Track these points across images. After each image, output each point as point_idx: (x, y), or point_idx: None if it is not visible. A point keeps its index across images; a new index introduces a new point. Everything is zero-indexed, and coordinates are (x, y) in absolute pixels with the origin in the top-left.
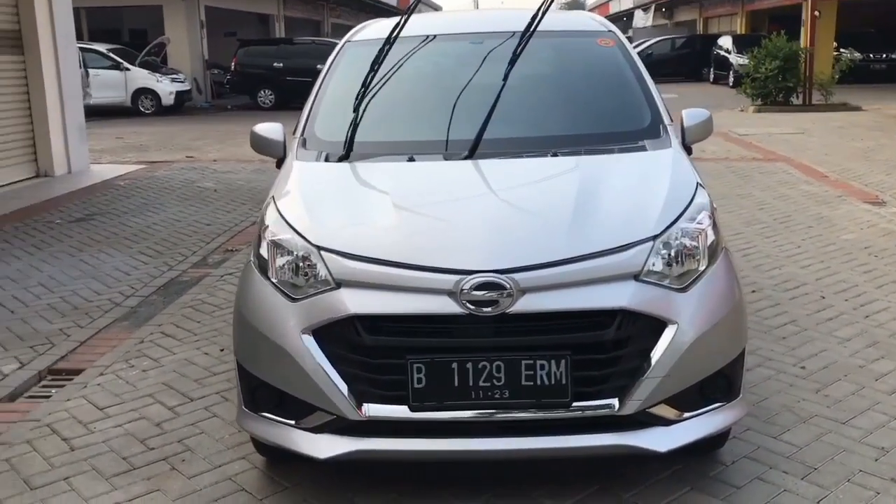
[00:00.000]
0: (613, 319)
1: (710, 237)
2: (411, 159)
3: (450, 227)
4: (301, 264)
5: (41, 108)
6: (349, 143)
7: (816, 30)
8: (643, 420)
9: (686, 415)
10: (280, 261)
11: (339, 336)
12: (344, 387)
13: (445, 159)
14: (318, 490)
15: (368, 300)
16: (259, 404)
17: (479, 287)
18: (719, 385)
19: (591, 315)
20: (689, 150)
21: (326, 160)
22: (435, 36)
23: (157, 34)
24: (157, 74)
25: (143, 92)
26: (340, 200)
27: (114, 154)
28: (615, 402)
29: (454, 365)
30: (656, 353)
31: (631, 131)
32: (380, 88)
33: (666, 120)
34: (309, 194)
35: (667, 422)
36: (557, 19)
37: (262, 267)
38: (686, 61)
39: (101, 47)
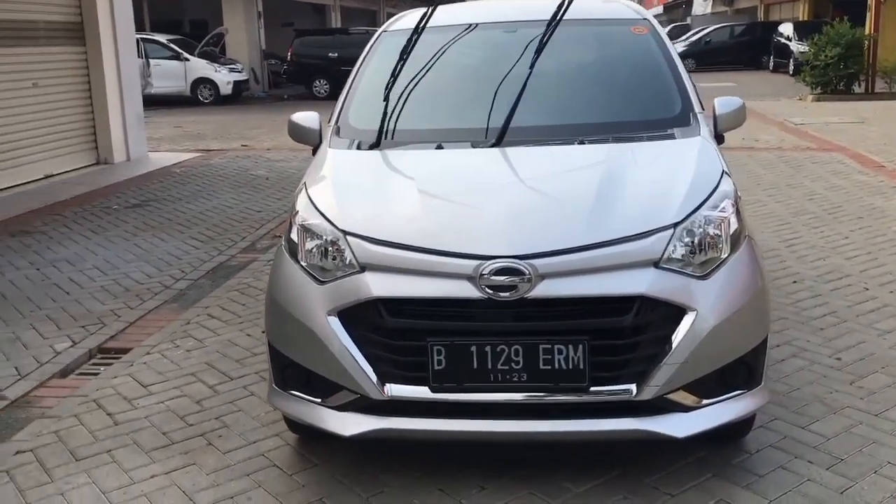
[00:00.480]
0: (632, 306)
1: (734, 225)
2: (440, 147)
3: (471, 213)
4: (329, 248)
5: (101, 98)
6: (380, 132)
7: (882, 15)
8: (661, 406)
9: (705, 401)
10: (309, 245)
11: (363, 318)
12: (368, 367)
13: (473, 147)
14: (346, 467)
15: (391, 284)
16: (288, 383)
17: (499, 272)
18: (740, 372)
19: (610, 301)
20: (721, 139)
21: (358, 148)
22: (469, 25)
23: (218, 25)
24: (216, 64)
25: (201, 82)
26: (368, 187)
27: (172, 142)
28: (633, 387)
29: (473, 348)
30: (675, 340)
31: (660, 119)
32: (412, 77)
33: (696, 108)
34: (338, 181)
35: (685, 408)
36: (592, 7)
37: (293, 251)
38: (745, 49)
39: (162, 38)
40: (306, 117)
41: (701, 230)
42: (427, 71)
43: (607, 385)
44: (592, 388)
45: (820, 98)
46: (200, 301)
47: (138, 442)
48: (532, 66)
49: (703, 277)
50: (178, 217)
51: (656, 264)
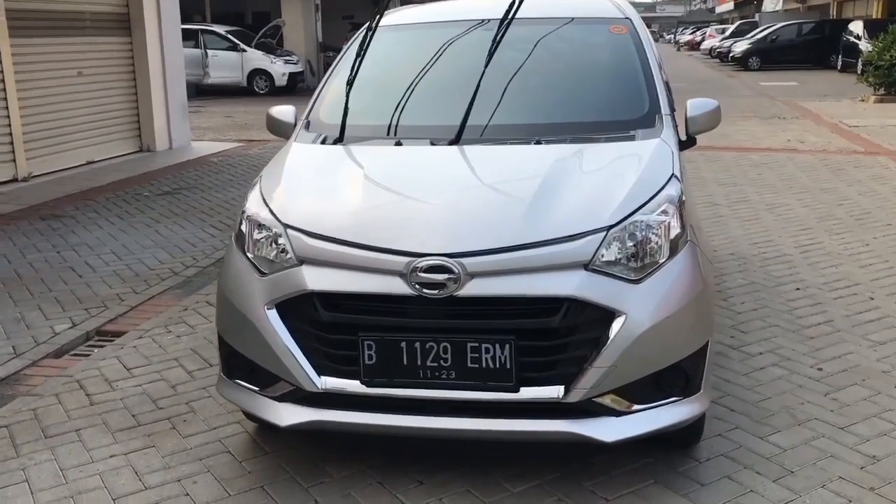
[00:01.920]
0: (560, 307)
1: (674, 230)
2: (398, 143)
3: (409, 210)
4: (273, 241)
5: (145, 87)
6: (342, 127)
7: None
8: (591, 409)
9: (636, 406)
10: (255, 237)
11: (299, 311)
12: (303, 359)
13: (432, 144)
14: (293, 457)
15: (326, 277)
16: (233, 372)
17: (428, 270)
18: (675, 379)
19: (538, 302)
20: (692, 141)
21: (323, 143)
22: (447, 21)
23: (279, 17)
24: (272, 56)
25: (257, 73)
26: (318, 181)
27: (217, 132)
28: (561, 389)
29: (403, 344)
30: (604, 344)
31: (624, 121)
32: (382, 74)
33: (665, 110)
34: (290, 175)
35: (616, 412)
36: (575, 4)
37: (241, 242)
38: (813, 48)
39: (220, 29)
40: (283, 111)
41: (636, 234)
42: (396, 67)
43: (535, 386)
44: (523, 389)
45: (883, 99)
46: (204, 288)
47: (107, 423)
48: (501, 65)
49: (637, 281)
50: (203, 205)
51: (587, 266)
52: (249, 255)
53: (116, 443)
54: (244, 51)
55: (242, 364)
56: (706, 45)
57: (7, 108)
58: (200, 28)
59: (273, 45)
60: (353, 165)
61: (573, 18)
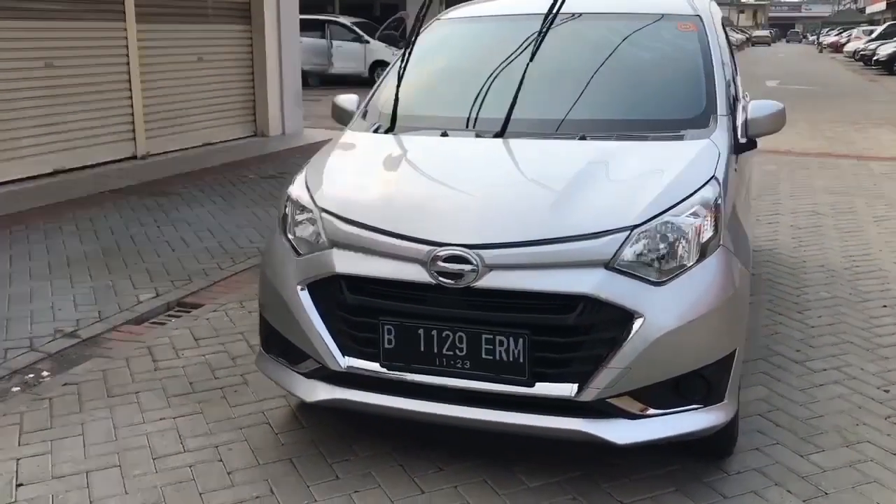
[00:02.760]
0: (576, 305)
1: (706, 233)
2: (444, 134)
3: (437, 200)
4: (311, 224)
5: (262, 74)
6: (393, 116)
7: None
8: (605, 410)
9: (652, 411)
10: (295, 219)
11: (328, 292)
12: (329, 339)
13: (477, 136)
14: (326, 433)
15: (353, 261)
16: (271, 348)
17: (448, 259)
18: (696, 386)
19: (554, 298)
20: (753, 144)
21: (375, 131)
22: (516, 14)
23: (410, 9)
24: (394, 48)
25: (379, 64)
26: (359, 168)
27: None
28: (574, 387)
29: (420, 331)
30: (619, 344)
31: (677, 120)
32: (442, 65)
33: (721, 111)
34: (335, 161)
35: (630, 415)
36: (647, 1)
37: (283, 224)
38: None
39: (346, 20)
40: (347, 100)
41: (664, 235)
42: (455, 59)
43: (550, 382)
44: (537, 384)
45: None
46: None
47: (166, 388)
48: (556, 60)
49: (659, 283)
50: None
51: (607, 265)
52: (290, 236)
53: (169, 407)
54: (367, 42)
55: (278, 340)
56: (850, 47)
57: (130, 89)
58: (327, 19)
59: (396, 37)
60: (394, 154)
61: (640, 14)
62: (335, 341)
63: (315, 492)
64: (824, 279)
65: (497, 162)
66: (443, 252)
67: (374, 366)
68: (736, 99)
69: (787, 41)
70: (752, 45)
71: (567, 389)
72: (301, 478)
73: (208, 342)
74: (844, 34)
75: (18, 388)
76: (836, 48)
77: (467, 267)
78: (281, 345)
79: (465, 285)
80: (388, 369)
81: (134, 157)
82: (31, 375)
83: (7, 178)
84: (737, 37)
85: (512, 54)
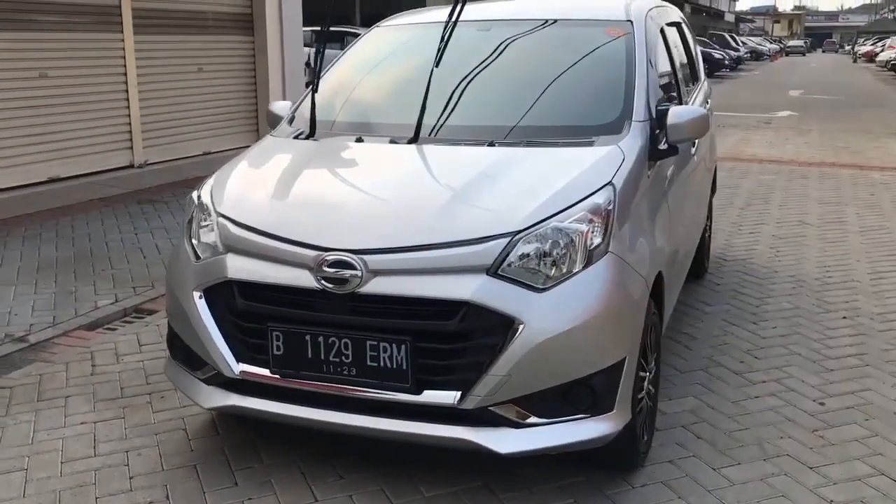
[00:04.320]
0: (457, 311)
1: (595, 239)
2: (359, 140)
3: (329, 206)
4: (211, 229)
5: (264, 84)
6: (312, 122)
7: None
8: (489, 418)
9: (537, 419)
10: (199, 223)
11: (222, 298)
12: (223, 345)
13: (391, 142)
14: (238, 441)
15: (244, 266)
16: (175, 353)
17: (333, 265)
18: (582, 395)
19: (435, 304)
20: (673, 150)
21: (297, 137)
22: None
23: None
24: None
25: None
26: (264, 173)
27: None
28: (457, 395)
29: (307, 337)
30: (500, 351)
31: (591, 126)
32: (366, 72)
33: (638, 116)
34: (246, 166)
35: (515, 424)
36: (581, 5)
37: (189, 227)
38: None
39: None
40: (281, 106)
41: (548, 241)
42: (385, 66)
43: (434, 389)
44: (425, 392)
45: None
46: None
47: (96, 392)
48: (478, 66)
49: (542, 290)
50: None
51: (488, 271)
52: (193, 241)
53: (93, 411)
54: None
55: (181, 346)
56: (882, 56)
57: (128, 99)
58: (347, 31)
59: None
60: (300, 160)
61: (571, 20)
62: (229, 347)
63: (209, 498)
64: (790, 289)
65: (398, 168)
66: (328, 257)
67: (265, 372)
68: (670, 102)
69: (823, 51)
70: (787, 55)
71: (450, 397)
72: (200, 484)
73: (151, 348)
74: (879, 43)
75: None
76: (870, 58)
77: (351, 272)
78: (183, 350)
79: (350, 291)
80: (279, 376)
81: (131, 166)
82: None
83: (1, 186)
84: (770, 46)
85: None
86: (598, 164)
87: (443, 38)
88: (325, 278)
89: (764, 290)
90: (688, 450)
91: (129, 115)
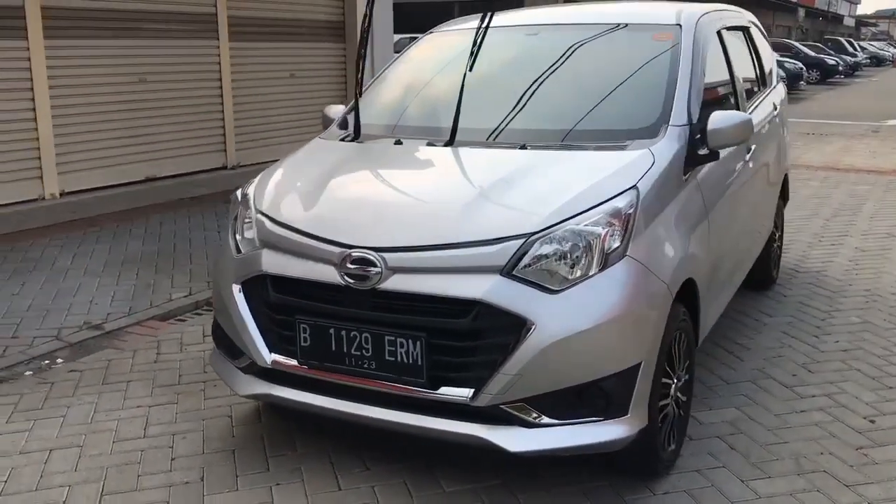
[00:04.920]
0: (471, 310)
1: (613, 243)
2: (398, 142)
3: (358, 204)
4: (252, 224)
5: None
6: (356, 125)
7: None
8: (502, 417)
9: (549, 420)
10: (241, 219)
11: (257, 290)
12: (258, 335)
13: (429, 145)
14: (277, 429)
15: (278, 261)
16: (218, 343)
17: (356, 261)
18: (595, 398)
19: (449, 302)
20: (715, 155)
21: (343, 140)
22: (499, 27)
23: None
24: None
25: None
26: (306, 173)
27: None
28: (470, 392)
29: (332, 330)
30: (512, 350)
31: (627, 130)
32: (414, 76)
33: (676, 121)
34: (290, 165)
35: (527, 423)
36: (631, 11)
37: (234, 223)
38: None
39: None
40: (335, 109)
41: (565, 243)
42: (433, 70)
43: (448, 386)
44: (442, 388)
45: None
46: None
47: (156, 379)
48: (524, 71)
49: (556, 291)
50: None
51: (502, 272)
52: (238, 236)
53: (150, 396)
54: None
55: (223, 336)
56: None
57: (222, 104)
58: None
59: None
60: (339, 161)
61: (619, 24)
62: (263, 338)
63: (241, 482)
64: (862, 303)
65: (428, 170)
66: (352, 254)
67: (294, 363)
68: (722, 108)
69: None
70: None
71: (463, 394)
72: (234, 468)
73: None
74: None
75: (31, 372)
76: None
77: (373, 269)
78: (225, 340)
79: (370, 287)
80: (305, 367)
81: (224, 168)
82: (47, 362)
83: (100, 185)
84: (894, 52)
85: (483, 67)
86: (626, 168)
87: (475, 42)
88: (349, 274)
89: (833, 303)
90: (719, 460)
91: (223, 119)
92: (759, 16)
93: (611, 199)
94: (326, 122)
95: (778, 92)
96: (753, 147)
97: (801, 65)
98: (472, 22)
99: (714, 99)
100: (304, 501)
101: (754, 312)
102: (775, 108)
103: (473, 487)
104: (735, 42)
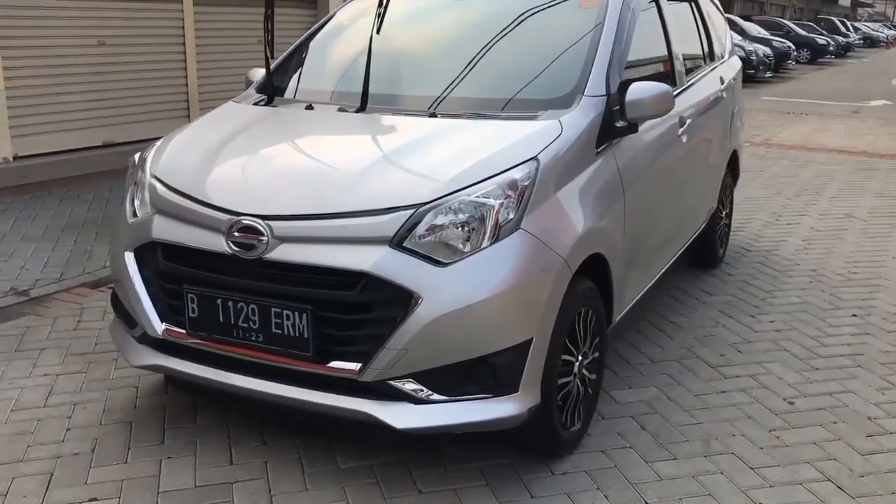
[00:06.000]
0: (357, 282)
1: (507, 215)
2: (309, 107)
3: (250, 170)
4: (147, 189)
5: None
6: (269, 88)
7: None
8: (390, 392)
9: (436, 397)
10: (136, 183)
11: (148, 258)
12: (149, 304)
13: (340, 110)
14: (182, 401)
15: (167, 228)
16: (116, 310)
17: (242, 229)
18: (483, 374)
19: (336, 274)
20: (633, 127)
21: (256, 104)
22: None
23: None
24: None
25: None
26: (205, 137)
27: None
28: (358, 366)
29: (219, 301)
30: (398, 325)
31: (541, 99)
32: (328, 41)
33: (591, 91)
34: (196, 128)
35: (414, 399)
36: None
37: (129, 187)
38: None
39: None
40: (256, 73)
41: (456, 214)
42: (354, 35)
43: (336, 360)
44: (333, 362)
45: None
46: None
47: (70, 347)
48: (440, 37)
49: (444, 264)
50: None
51: (391, 243)
52: (137, 201)
53: (60, 364)
54: None
55: (119, 304)
56: None
57: (186, 69)
58: None
59: None
60: (243, 126)
61: None
62: (154, 307)
63: (132, 454)
64: (806, 283)
65: (331, 136)
66: (241, 221)
67: (182, 333)
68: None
69: None
70: None
71: (350, 369)
72: (128, 439)
73: None
74: None
75: None
76: None
77: (260, 238)
78: (122, 309)
79: (257, 256)
80: (193, 337)
81: None
82: None
83: (57, 149)
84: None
85: (399, 32)
86: (529, 138)
87: (380, 3)
88: (235, 243)
89: (777, 282)
90: (627, 440)
91: (186, 85)
92: None
93: (508, 169)
94: (248, 85)
95: (730, 66)
96: (689, 121)
97: (789, 44)
98: None
99: (643, 70)
100: (191, 474)
101: (695, 291)
102: (722, 82)
103: (370, 464)
104: (677, 13)
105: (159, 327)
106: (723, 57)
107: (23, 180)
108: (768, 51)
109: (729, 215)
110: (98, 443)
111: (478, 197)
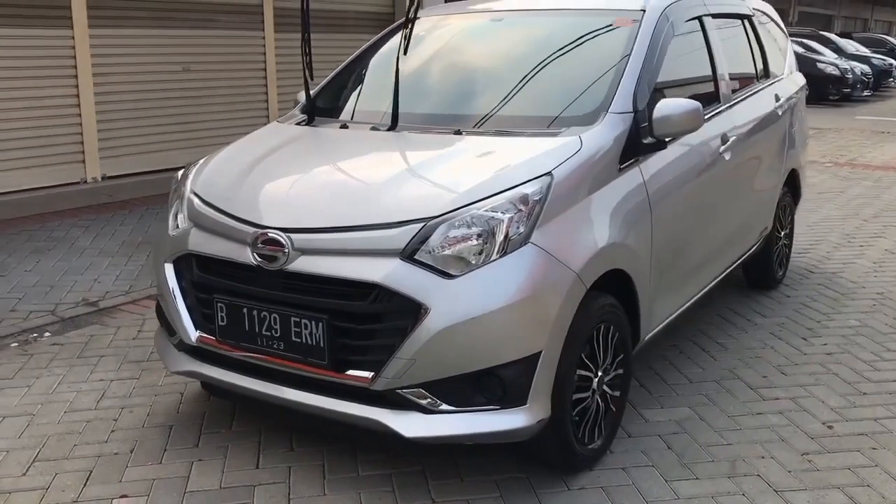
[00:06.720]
0: (370, 293)
1: (516, 229)
2: (344, 127)
3: (278, 186)
4: (187, 203)
5: None
6: (310, 109)
7: None
8: (401, 402)
9: (446, 406)
10: (178, 196)
11: (185, 269)
12: (185, 312)
13: (372, 129)
14: (222, 407)
15: (202, 240)
16: (160, 319)
17: (266, 242)
18: (492, 386)
19: (350, 285)
20: (661, 144)
21: (298, 123)
22: (465, 13)
23: None
24: None
25: None
26: (245, 154)
27: None
28: (370, 375)
29: (245, 310)
30: (407, 335)
31: (567, 117)
32: (371, 64)
33: (616, 108)
34: (238, 146)
35: (424, 409)
36: None
37: (172, 201)
38: None
39: None
40: (303, 94)
41: (466, 228)
42: (383, 59)
43: (350, 369)
44: (350, 371)
45: None
46: None
47: (127, 355)
48: (479, 58)
49: (453, 276)
50: None
51: (402, 256)
52: (180, 214)
53: (115, 371)
54: None
55: (161, 313)
56: None
57: (266, 93)
58: None
59: None
60: (281, 144)
61: (584, 10)
62: (189, 315)
63: (167, 456)
64: (868, 307)
65: (362, 153)
66: (266, 234)
67: (213, 340)
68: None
69: None
70: None
71: (363, 377)
72: (165, 442)
73: None
74: None
75: (16, 344)
76: None
77: (281, 250)
78: (163, 317)
79: (279, 268)
80: (222, 345)
81: None
82: (35, 335)
83: (141, 170)
84: None
85: (442, 53)
86: (546, 154)
87: (406, 25)
88: (260, 254)
89: (837, 305)
90: (649, 459)
91: (267, 108)
92: (856, 10)
93: (520, 184)
94: (294, 105)
95: (791, 83)
96: (733, 139)
97: (891, 61)
98: (453, 7)
99: (682, 87)
100: (218, 476)
101: (748, 312)
102: (777, 100)
103: (390, 473)
104: (725, 30)
105: (193, 335)
106: (778, 74)
107: (108, 199)
108: (867, 68)
109: (789, 236)
110: (137, 444)
111: (488, 211)
